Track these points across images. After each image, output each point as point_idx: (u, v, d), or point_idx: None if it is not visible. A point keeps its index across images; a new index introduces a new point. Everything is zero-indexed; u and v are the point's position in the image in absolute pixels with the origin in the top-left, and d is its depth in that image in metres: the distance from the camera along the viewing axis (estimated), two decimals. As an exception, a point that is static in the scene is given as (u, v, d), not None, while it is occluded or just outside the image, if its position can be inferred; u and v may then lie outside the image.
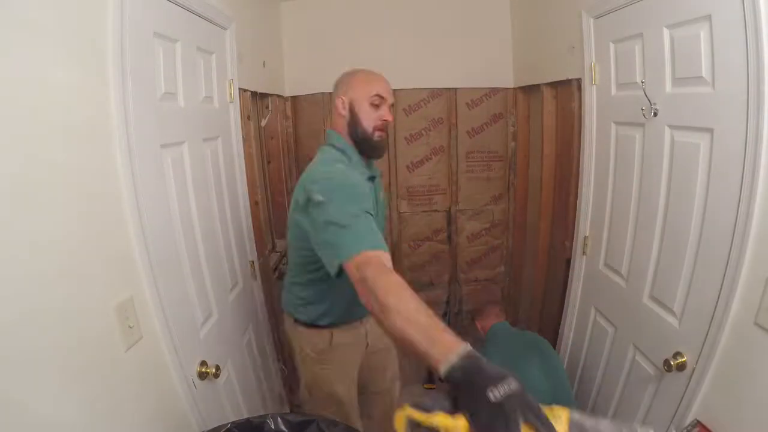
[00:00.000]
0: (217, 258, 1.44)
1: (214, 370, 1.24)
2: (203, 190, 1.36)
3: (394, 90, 2.48)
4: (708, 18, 1.07)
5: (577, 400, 1.85)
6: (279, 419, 1.01)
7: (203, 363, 1.23)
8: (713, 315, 1.09)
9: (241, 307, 1.63)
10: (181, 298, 1.19)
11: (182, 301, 1.19)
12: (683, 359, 1.20)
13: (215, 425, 1.03)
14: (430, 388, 2.31)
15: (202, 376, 1.22)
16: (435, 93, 2.59)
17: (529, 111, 2.54)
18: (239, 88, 1.65)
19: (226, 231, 1.53)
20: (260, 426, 1.00)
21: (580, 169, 1.79)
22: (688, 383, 1.17)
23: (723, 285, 1.06)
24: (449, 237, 2.83)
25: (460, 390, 0.55)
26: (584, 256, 1.80)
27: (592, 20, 1.61)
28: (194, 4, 1.27)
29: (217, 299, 1.40)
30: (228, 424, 1.01)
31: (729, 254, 1.05)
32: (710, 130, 1.11)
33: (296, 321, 1.34)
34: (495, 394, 0.50)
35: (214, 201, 1.44)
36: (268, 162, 2.36)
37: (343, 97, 1.25)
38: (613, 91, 1.54)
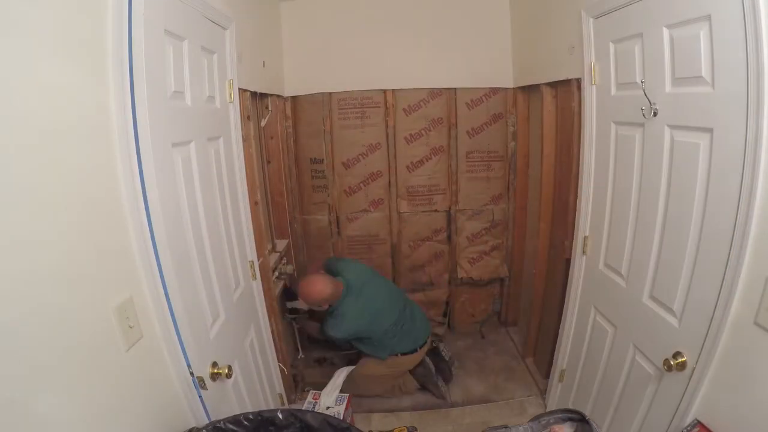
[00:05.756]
0: (222, 258, 1.45)
1: (226, 371, 1.24)
2: (208, 189, 1.36)
3: (394, 90, 2.54)
4: (708, 18, 1.08)
5: (577, 400, 1.85)
6: (290, 414, 1.06)
7: (214, 364, 1.23)
8: (713, 315, 1.09)
9: (243, 307, 1.63)
10: (193, 298, 1.20)
11: (193, 302, 1.20)
12: (683, 359, 1.20)
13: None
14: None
15: (214, 377, 1.22)
16: (435, 93, 2.59)
17: (529, 111, 2.54)
18: (239, 88, 1.65)
19: (228, 231, 1.53)
20: (271, 419, 1.06)
21: (580, 168, 1.79)
22: (688, 383, 1.17)
23: (723, 285, 1.06)
24: (449, 237, 2.83)
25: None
26: (584, 256, 1.80)
27: (591, 20, 1.61)
28: (197, 3, 1.27)
29: (223, 300, 1.40)
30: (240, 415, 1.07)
31: (729, 254, 1.05)
32: (710, 130, 1.11)
33: None
34: None
35: (218, 200, 1.44)
36: (268, 162, 2.36)
37: None
38: (613, 90, 1.54)
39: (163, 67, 1.10)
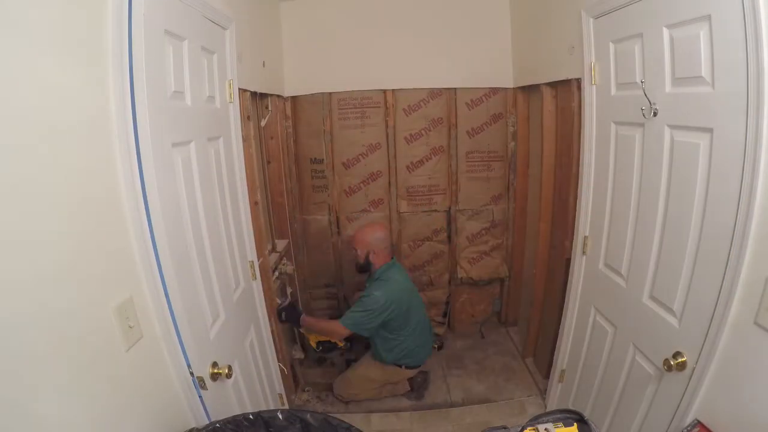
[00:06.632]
0: (222, 258, 1.44)
1: (226, 371, 1.25)
2: (208, 189, 1.36)
3: (394, 90, 2.54)
4: (708, 18, 1.07)
5: (577, 400, 1.85)
6: (290, 414, 1.06)
7: (214, 364, 1.24)
8: (713, 315, 1.09)
9: (243, 308, 1.63)
10: (193, 298, 1.20)
11: (193, 302, 1.20)
12: (683, 359, 1.20)
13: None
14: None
15: (214, 377, 1.22)
16: (435, 93, 2.59)
17: (529, 111, 2.54)
18: (239, 88, 1.65)
19: (228, 231, 1.53)
20: (271, 419, 1.07)
21: (580, 169, 1.79)
22: (688, 383, 1.17)
23: (723, 285, 1.06)
24: (449, 237, 2.83)
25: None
26: (584, 256, 1.80)
27: (591, 20, 1.61)
28: (197, 3, 1.27)
29: (223, 300, 1.40)
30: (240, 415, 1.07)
31: (729, 254, 1.05)
32: (710, 130, 1.11)
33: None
34: None
35: (218, 200, 1.44)
36: (268, 162, 2.35)
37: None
38: (613, 90, 1.54)
39: (163, 67, 1.10)
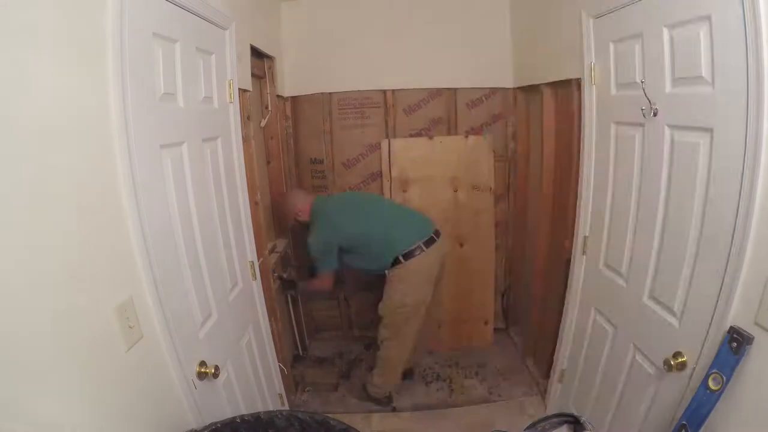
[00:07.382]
0: (216, 258, 1.44)
1: (213, 371, 1.24)
2: (203, 190, 1.36)
3: (394, 90, 2.53)
4: (708, 18, 1.07)
5: (577, 400, 1.85)
6: (290, 414, 1.05)
7: (202, 363, 1.23)
8: (713, 315, 1.09)
9: (241, 307, 1.63)
10: (181, 298, 1.19)
11: (182, 302, 1.19)
12: (683, 359, 1.20)
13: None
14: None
15: (201, 376, 1.22)
16: (435, 93, 2.59)
17: (529, 111, 2.54)
18: (239, 89, 1.65)
19: (226, 231, 1.53)
20: (270, 421, 1.05)
21: (580, 169, 1.79)
22: (688, 383, 1.17)
23: (723, 284, 1.06)
24: (449, 237, 2.82)
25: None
26: (584, 256, 1.80)
27: (591, 20, 1.60)
28: (193, 4, 1.27)
29: (216, 300, 1.40)
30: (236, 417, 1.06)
31: (729, 254, 1.05)
32: (710, 130, 1.10)
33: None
34: None
35: (214, 201, 1.44)
36: (268, 162, 2.36)
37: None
38: (613, 91, 1.54)
39: (151, 69, 1.08)
